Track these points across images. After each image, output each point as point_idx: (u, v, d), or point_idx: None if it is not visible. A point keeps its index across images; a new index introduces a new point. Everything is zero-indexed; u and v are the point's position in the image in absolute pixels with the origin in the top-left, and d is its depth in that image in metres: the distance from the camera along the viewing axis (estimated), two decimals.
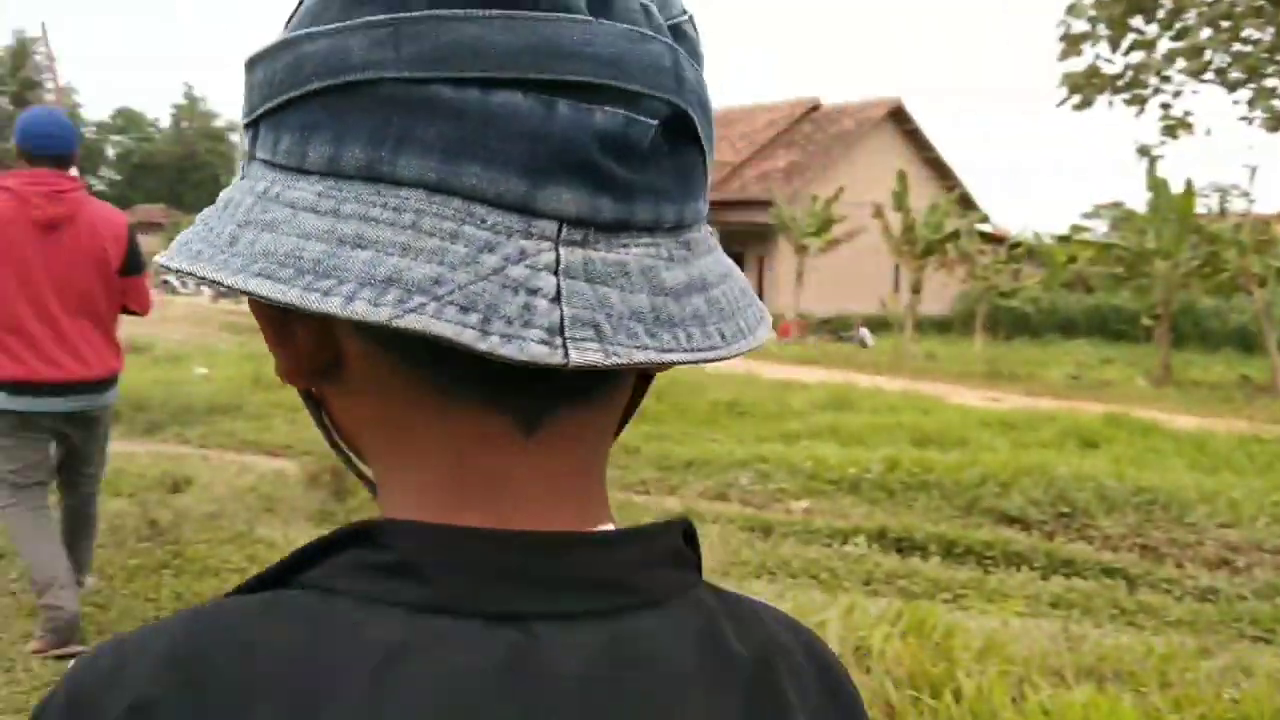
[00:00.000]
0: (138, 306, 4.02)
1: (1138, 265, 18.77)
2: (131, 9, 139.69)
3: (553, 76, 0.41)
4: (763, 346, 0.49)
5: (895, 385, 14.34)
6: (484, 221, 0.42)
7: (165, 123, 74.11)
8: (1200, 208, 18.60)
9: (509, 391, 0.45)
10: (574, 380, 0.45)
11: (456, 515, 0.46)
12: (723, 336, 0.46)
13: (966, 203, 28.38)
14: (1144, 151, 16.77)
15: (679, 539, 0.51)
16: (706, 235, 0.50)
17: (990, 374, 17.20)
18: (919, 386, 14.42)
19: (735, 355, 0.47)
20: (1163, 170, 20.53)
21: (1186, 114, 14.85)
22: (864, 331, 24.35)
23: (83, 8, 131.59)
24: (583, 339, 0.41)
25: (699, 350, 0.45)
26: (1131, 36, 14.45)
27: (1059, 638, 3.92)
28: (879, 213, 23.03)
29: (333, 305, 0.41)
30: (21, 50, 51.50)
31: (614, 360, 0.42)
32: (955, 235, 22.93)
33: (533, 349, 0.40)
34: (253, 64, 0.47)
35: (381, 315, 0.40)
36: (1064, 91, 15.14)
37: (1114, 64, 14.77)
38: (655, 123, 0.43)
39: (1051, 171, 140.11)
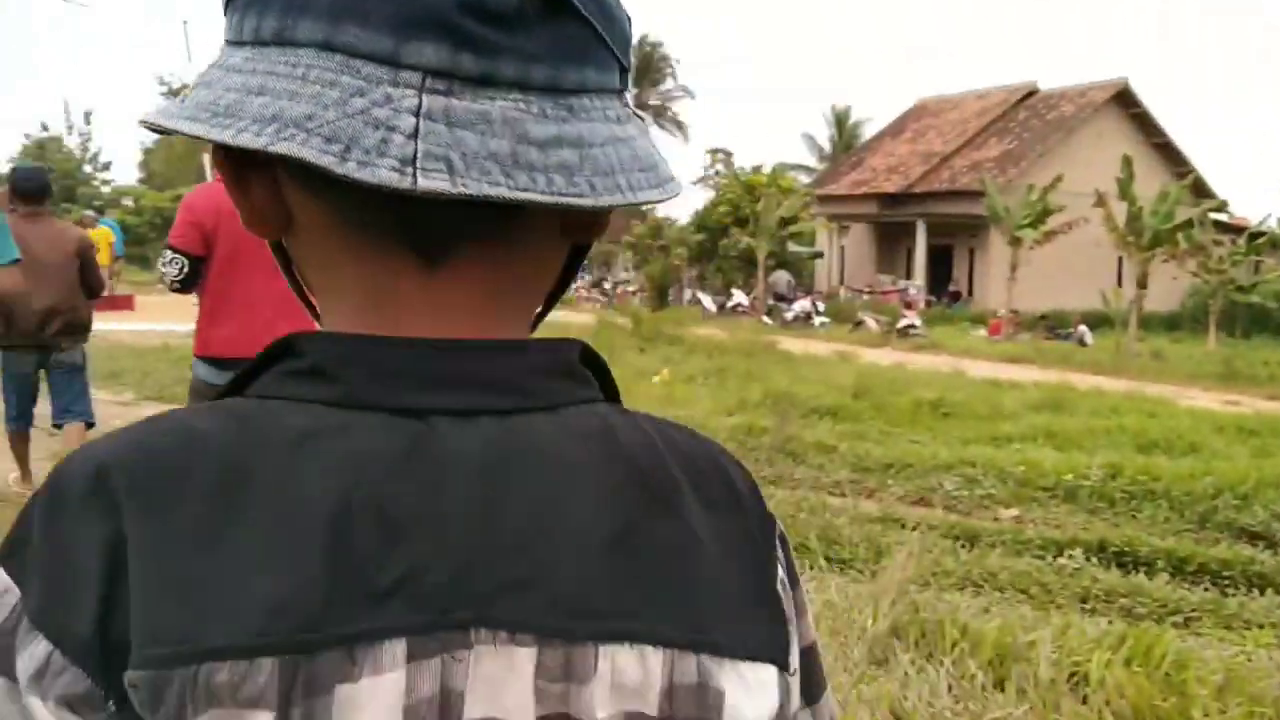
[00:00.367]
0: None
1: None
2: None
3: None
4: (646, 205, 0.55)
5: (1117, 386, 13.38)
6: (359, 73, 0.49)
7: None
8: None
9: (412, 232, 0.53)
10: (466, 224, 0.52)
11: (364, 329, 0.54)
12: (592, 187, 0.51)
13: (1200, 190, 26.17)
14: None
15: (574, 357, 0.57)
16: (610, 106, 0.55)
17: (1225, 375, 15.77)
18: (1144, 387, 13.38)
19: (602, 206, 0.52)
20: None
21: None
22: (1082, 328, 22.91)
23: None
24: (432, 169, 0.48)
25: (560, 195, 0.50)
26: None
27: None
28: (1101, 201, 21.58)
29: (226, 136, 0.49)
30: None
31: (461, 190, 0.48)
32: (1187, 225, 21.29)
33: (383, 174, 0.47)
34: None
35: (259, 143, 0.48)
36: None
37: None
38: None
39: None
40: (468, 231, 0.53)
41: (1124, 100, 30.62)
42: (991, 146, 30.93)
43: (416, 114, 0.48)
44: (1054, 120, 30.61)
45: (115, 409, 7.74)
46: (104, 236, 17.47)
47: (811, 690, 0.62)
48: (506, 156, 0.49)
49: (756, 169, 35.82)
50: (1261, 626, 4.45)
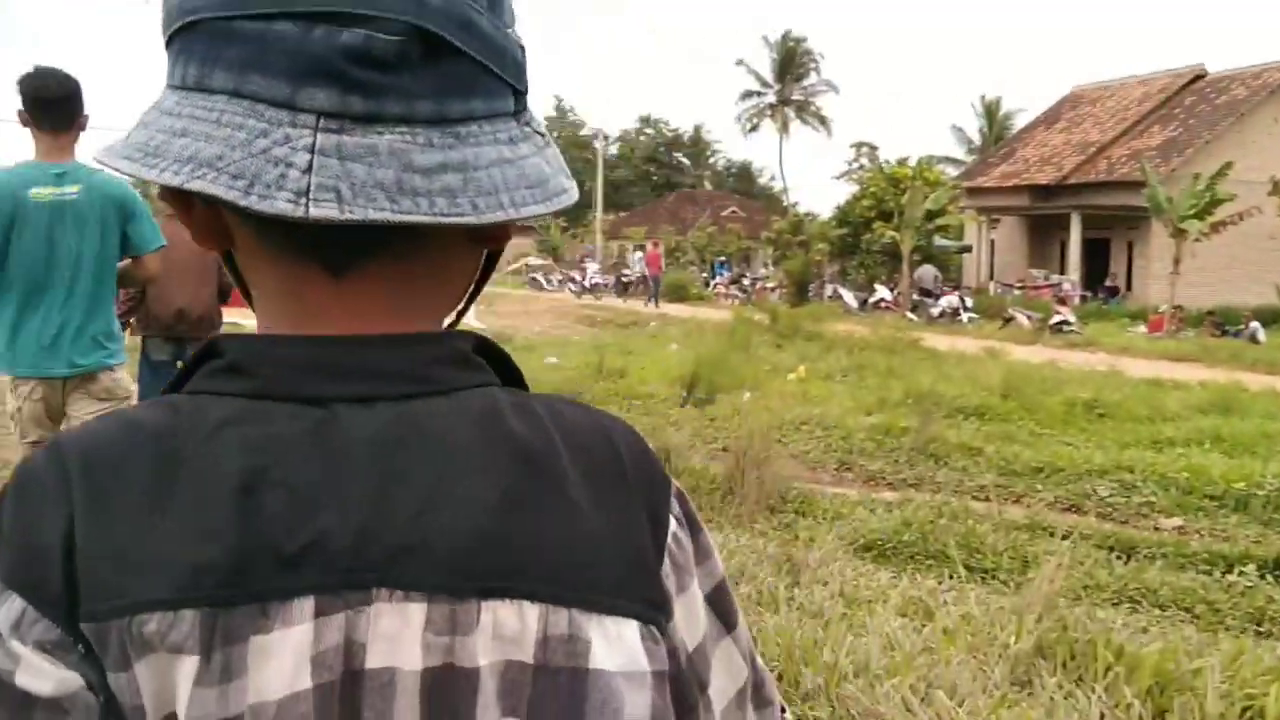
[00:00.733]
0: None
1: None
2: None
3: (310, 9, 0.55)
4: (531, 219, 0.61)
5: None
6: (263, 116, 0.56)
7: None
8: None
9: (319, 248, 0.60)
10: (366, 241, 0.60)
11: (284, 329, 0.63)
12: (474, 207, 0.58)
13: None
14: None
15: (466, 347, 0.64)
16: (502, 129, 0.62)
17: None
18: None
19: (486, 222, 0.59)
20: None
21: None
22: (1255, 324, 21.40)
23: None
24: (323, 199, 0.55)
25: (442, 215, 0.57)
26: None
27: None
28: (1278, 190, 20.10)
29: (152, 175, 0.57)
30: None
31: (348, 216, 0.55)
32: None
33: (280, 205, 0.55)
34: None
35: (178, 181, 0.56)
36: None
37: None
38: (397, 38, 0.56)
39: None
40: (370, 247, 0.61)
41: None
42: (1153, 134, 29.28)
43: (311, 151, 0.56)
44: (1224, 105, 28.74)
45: None
46: None
47: (728, 620, 0.70)
48: (392, 184, 0.56)
49: (902, 162, 34.91)
50: None
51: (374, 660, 0.56)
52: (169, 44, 0.60)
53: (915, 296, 26.16)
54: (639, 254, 34.56)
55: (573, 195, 0.64)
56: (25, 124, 3.57)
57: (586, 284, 33.59)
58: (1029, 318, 21.75)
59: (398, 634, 0.57)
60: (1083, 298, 26.55)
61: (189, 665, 0.54)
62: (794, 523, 5.96)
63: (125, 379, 3.93)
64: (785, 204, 58.43)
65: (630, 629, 0.61)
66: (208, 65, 0.57)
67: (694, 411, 9.38)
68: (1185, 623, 4.36)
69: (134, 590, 0.54)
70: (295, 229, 0.57)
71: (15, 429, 3.74)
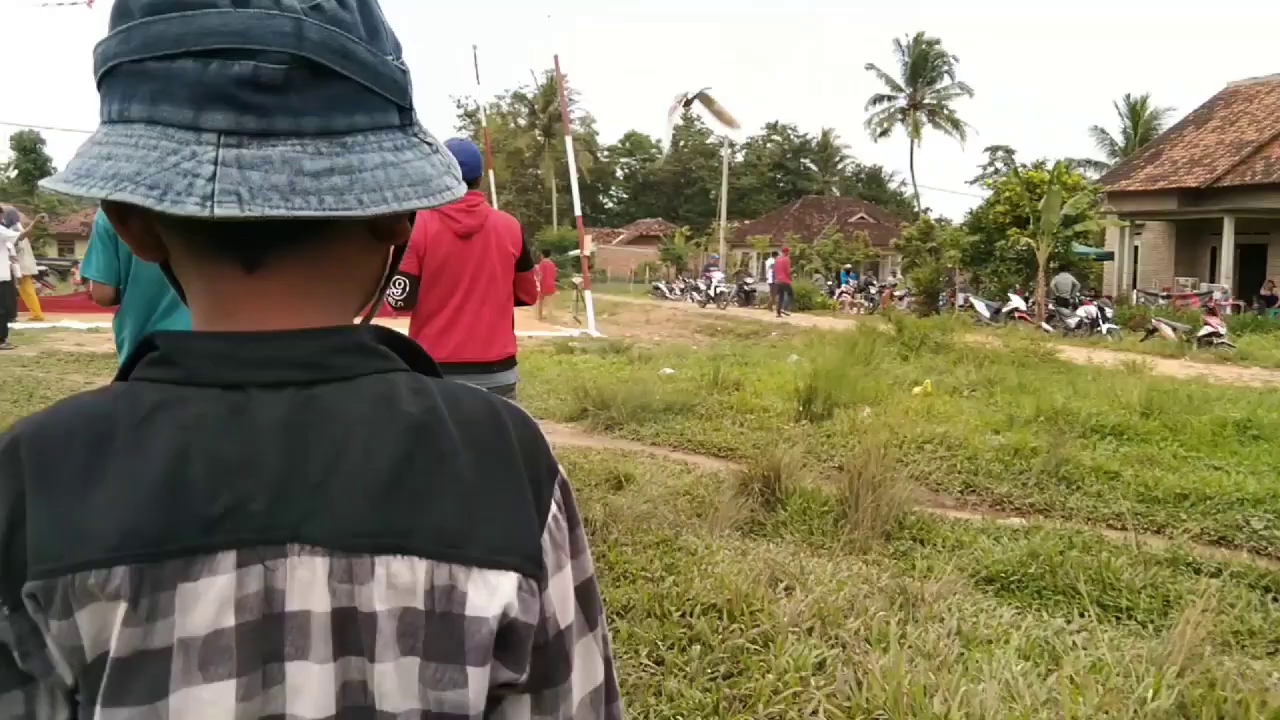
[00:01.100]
0: (527, 297, 4.65)
1: None
2: (637, 42, 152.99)
3: (205, 47, 0.66)
4: (413, 209, 0.72)
5: None
6: (173, 138, 0.66)
7: (665, 144, 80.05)
8: None
9: (232, 246, 0.72)
10: (274, 236, 0.71)
11: (209, 326, 0.74)
12: (360, 202, 0.69)
13: None
14: None
15: (365, 339, 0.75)
16: (386, 139, 0.72)
17: None
18: None
19: (371, 214, 0.69)
20: None
21: None
22: None
23: (593, 43, 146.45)
24: (226, 201, 0.65)
25: (331, 210, 0.68)
26: None
27: None
28: None
29: (82, 190, 0.67)
30: (550, 87, 58.16)
31: (248, 213, 0.65)
32: None
33: (189, 208, 0.65)
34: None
35: (103, 193, 0.66)
36: None
37: None
38: (281, 67, 0.67)
39: None
40: (277, 242, 0.72)
41: None
42: None
43: (215, 163, 0.66)
44: None
45: None
46: None
47: (592, 617, 0.81)
48: (285, 186, 0.67)
49: (1038, 165, 33.59)
50: None
51: (292, 604, 0.68)
52: (98, 87, 0.71)
53: (1051, 306, 25.08)
54: (770, 261, 34.09)
55: (456, 193, 0.74)
56: None
57: (712, 293, 33.39)
58: (1175, 329, 20.51)
59: (309, 582, 0.68)
60: (1235, 308, 24.98)
61: (120, 610, 0.65)
62: (911, 551, 5.61)
63: None
64: (916, 210, 57.07)
65: (509, 580, 0.72)
66: (126, 101, 0.68)
67: (809, 427, 9.07)
68: None
69: (74, 554, 0.66)
70: (212, 232, 0.69)
71: None
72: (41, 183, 0.73)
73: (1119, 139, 48.00)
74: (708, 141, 74.93)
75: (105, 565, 0.65)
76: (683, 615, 3.98)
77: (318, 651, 0.68)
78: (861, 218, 53.60)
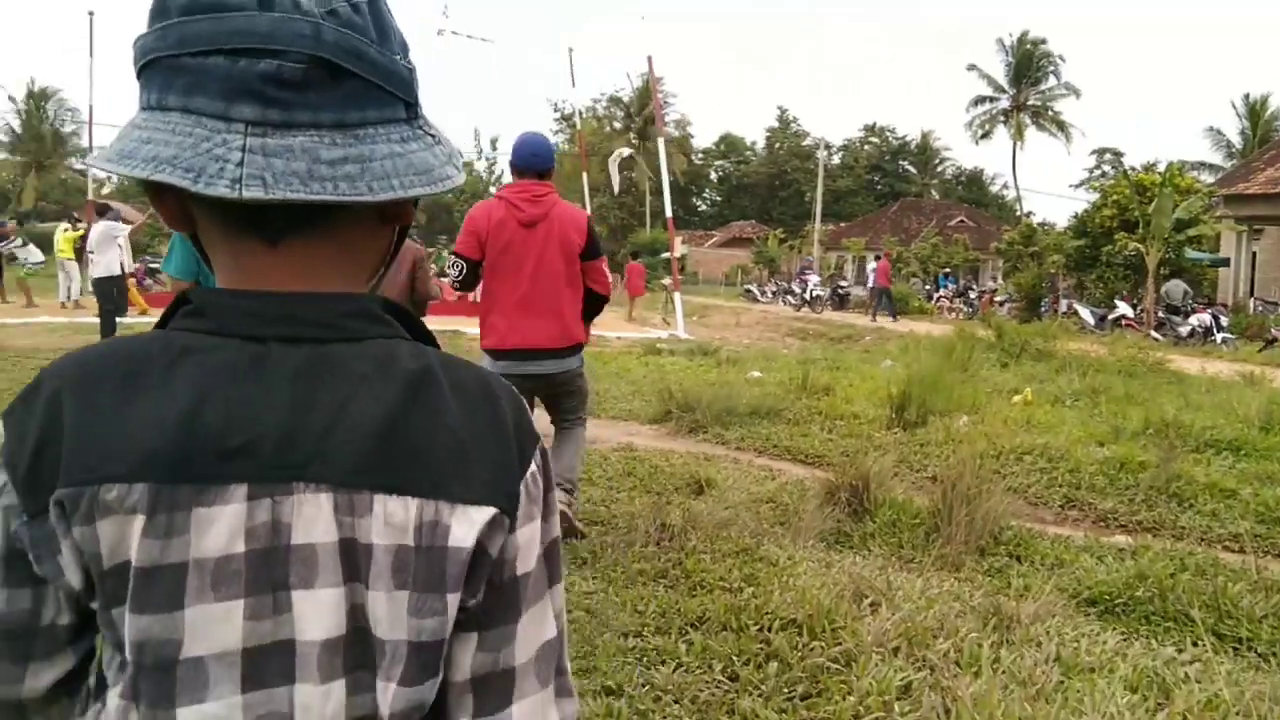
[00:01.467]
0: (598, 287, 4.75)
1: None
2: (731, 45, 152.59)
3: (235, 46, 0.75)
4: (419, 195, 0.82)
5: None
6: (205, 126, 0.76)
7: (760, 145, 79.49)
8: None
9: (256, 224, 0.81)
10: (293, 218, 0.80)
11: (235, 288, 0.84)
12: (370, 188, 0.79)
13: None
14: None
15: (372, 306, 0.85)
16: (394, 132, 0.82)
17: None
18: None
19: (380, 200, 0.79)
20: None
21: None
22: None
23: (686, 45, 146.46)
24: (252, 184, 0.75)
25: (345, 195, 0.77)
26: None
27: None
28: None
29: (125, 170, 0.76)
30: (645, 90, 58.22)
31: (272, 196, 0.75)
32: None
33: (220, 189, 0.74)
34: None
35: (145, 173, 0.75)
36: None
37: None
38: (301, 65, 0.76)
39: None
40: (297, 223, 0.82)
41: None
42: None
43: (243, 150, 0.75)
44: None
45: None
46: None
47: (554, 574, 0.90)
48: (305, 173, 0.76)
49: (1149, 167, 32.32)
50: None
51: (298, 537, 0.78)
52: (138, 77, 0.80)
53: (1161, 314, 24.07)
54: (872, 264, 33.47)
55: (456, 180, 0.85)
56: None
57: (807, 296, 32.93)
58: None
59: (314, 517, 0.78)
60: None
61: (139, 523, 0.75)
62: (1006, 568, 5.29)
63: None
64: (1018, 213, 55.56)
65: (485, 514, 0.82)
66: (164, 91, 0.78)
67: (902, 435, 8.75)
68: None
69: (102, 468, 0.76)
70: (239, 210, 0.78)
71: None
72: (86, 160, 0.83)
73: (1236, 141, 46.03)
74: (804, 144, 74.17)
75: (127, 481, 0.75)
76: (760, 630, 3.81)
77: (326, 578, 0.78)
78: (961, 221, 52.37)
